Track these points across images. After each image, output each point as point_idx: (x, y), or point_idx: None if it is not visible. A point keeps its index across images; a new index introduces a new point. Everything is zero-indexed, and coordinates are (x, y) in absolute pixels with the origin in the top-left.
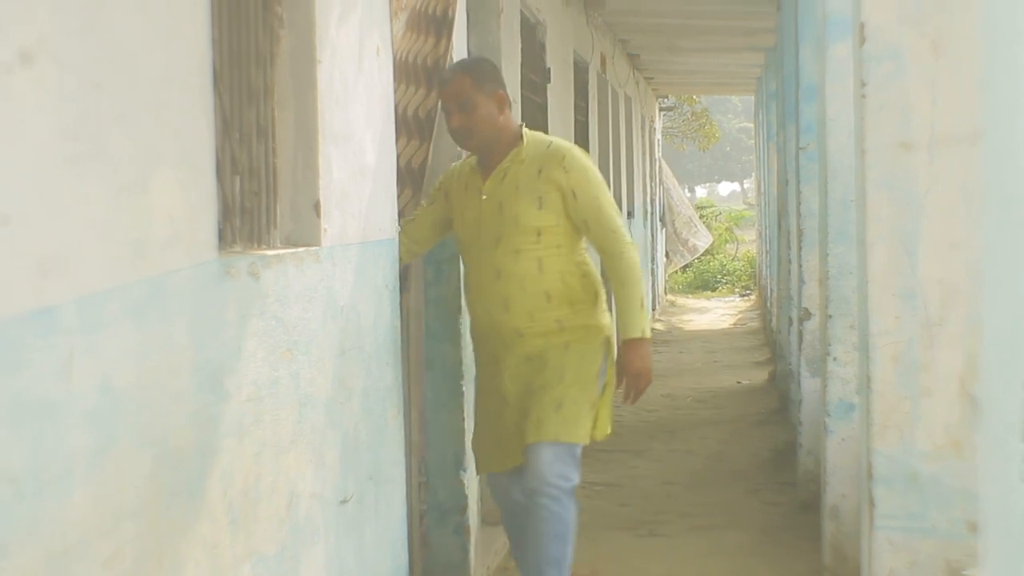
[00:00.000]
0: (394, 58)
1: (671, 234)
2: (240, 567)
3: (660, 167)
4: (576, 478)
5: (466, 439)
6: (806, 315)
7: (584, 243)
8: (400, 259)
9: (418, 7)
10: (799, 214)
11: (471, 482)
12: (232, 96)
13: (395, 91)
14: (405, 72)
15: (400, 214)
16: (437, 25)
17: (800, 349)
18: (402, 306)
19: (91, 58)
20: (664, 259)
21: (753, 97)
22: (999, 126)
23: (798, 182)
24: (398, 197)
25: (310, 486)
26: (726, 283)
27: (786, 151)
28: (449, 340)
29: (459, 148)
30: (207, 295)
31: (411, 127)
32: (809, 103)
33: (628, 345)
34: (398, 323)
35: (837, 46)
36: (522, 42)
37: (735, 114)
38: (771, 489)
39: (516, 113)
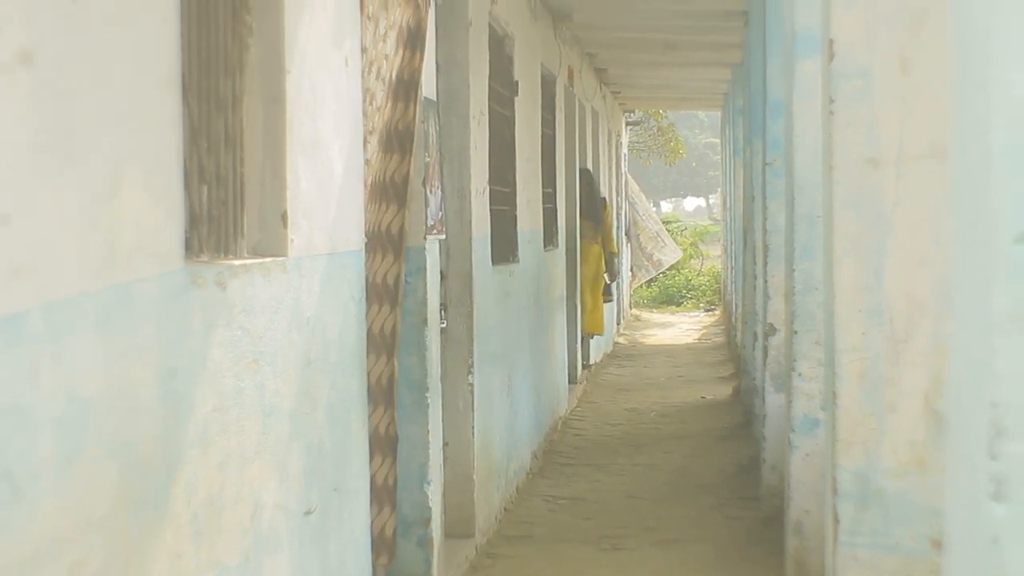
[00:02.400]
0: (388, 75)
1: (636, 248)
2: None
3: (626, 181)
4: None
5: (430, 451)
6: (771, 330)
7: None
8: None
9: (401, 23)
10: (765, 230)
11: (435, 495)
12: (201, 105)
13: (386, 107)
14: (392, 88)
15: (387, 229)
16: (411, 38)
17: (765, 364)
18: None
19: (64, 68)
20: (629, 274)
21: (720, 112)
22: (967, 144)
23: (764, 197)
24: (384, 212)
25: (274, 497)
26: (691, 298)
27: (752, 166)
28: (415, 353)
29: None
30: (173, 304)
31: (380, 142)
32: (776, 119)
33: None
34: (364, 335)
35: (805, 62)
36: (490, 55)
37: (701, 129)
38: (734, 504)
39: (483, 126)
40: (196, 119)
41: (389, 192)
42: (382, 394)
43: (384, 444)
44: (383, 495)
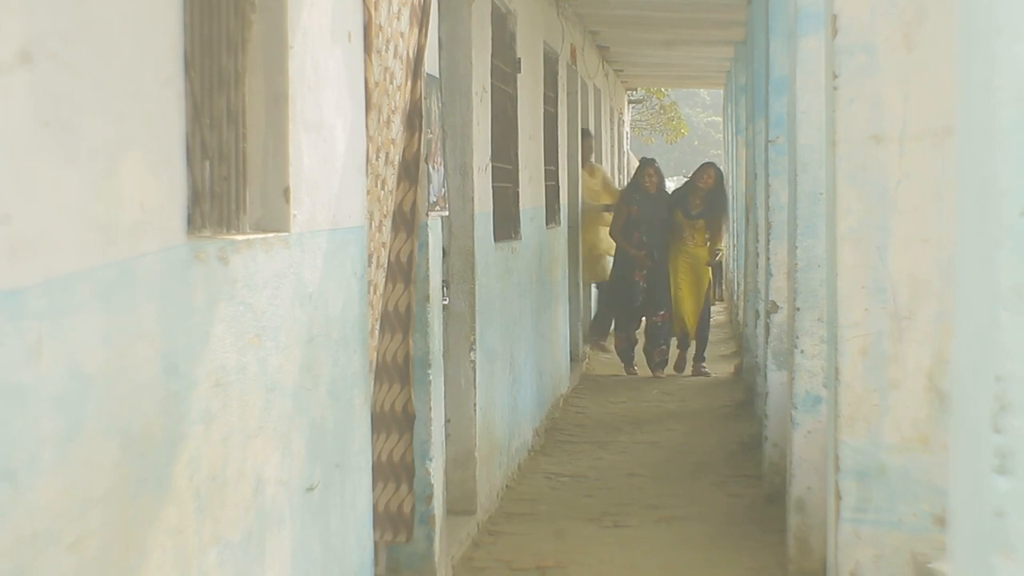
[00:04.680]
0: (404, 53)
1: None
2: (206, 552)
3: (628, 160)
4: None
5: (432, 428)
6: (773, 308)
7: None
8: None
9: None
10: (767, 207)
11: (437, 472)
12: (203, 81)
13: (405, 85)
14: (410, 66)
15: (399, 206)
16: (417, 15)
17: (767, 342)
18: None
19: (66, 45)
20: None
21: (722, 91)
22: (972, 116)
23: (767, 175)
24: (395, 190)
25: (276, 473)
26: None
27: (755, 144)
28: (418, 329)
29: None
30: (176, 280)
31: (403, 120)
32: (779, 96)
33: None
34: (367, 311)
35: (808, 38)
36: (492, 31)
37: (703, 108)
38: (736, 481)
39: (486, 103)
40: (198, 95)
41: (401, 171)
42: (398, 372)
43: (401, 422)
44: (400, 473)
